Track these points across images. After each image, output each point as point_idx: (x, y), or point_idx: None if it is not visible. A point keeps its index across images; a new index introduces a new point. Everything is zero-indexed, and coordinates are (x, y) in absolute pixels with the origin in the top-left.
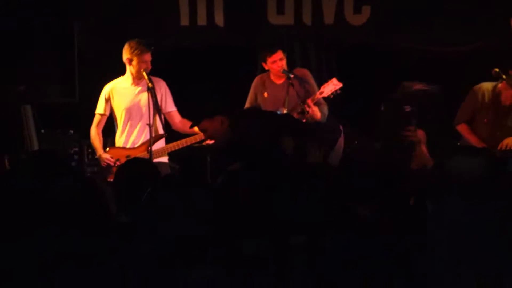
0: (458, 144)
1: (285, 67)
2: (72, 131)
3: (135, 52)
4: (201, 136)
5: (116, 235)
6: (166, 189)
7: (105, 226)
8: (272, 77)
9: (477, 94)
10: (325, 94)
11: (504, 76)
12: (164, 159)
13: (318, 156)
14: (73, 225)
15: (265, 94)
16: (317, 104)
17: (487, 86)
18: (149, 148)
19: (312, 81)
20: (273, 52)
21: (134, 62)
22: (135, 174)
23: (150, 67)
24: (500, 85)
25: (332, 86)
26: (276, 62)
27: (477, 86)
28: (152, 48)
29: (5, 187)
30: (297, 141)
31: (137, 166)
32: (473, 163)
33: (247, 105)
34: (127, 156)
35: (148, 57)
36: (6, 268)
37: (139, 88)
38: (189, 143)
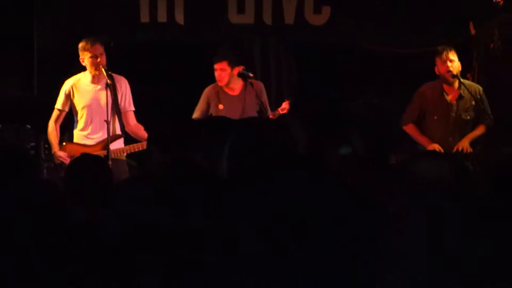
0: (419, 147)
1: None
2: (29, 126)
3: (84, 49)
4: None
5: (71, 233)
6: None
7: (60, 225)
8: (226, 88)
9: (422, 94)
10: (286, 111)
11: (462, 80)
12: (122, 156)
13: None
14: (28, 225)
15: (220, 106)
16: None
17: (429, 84)
18: (107, 146)
19: (265, 96)
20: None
21: (86, 61)
22: (85, 171)
23: (103, 61)
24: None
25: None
26: (217, 71)
27: (421, 87)
28: (112, 44)
29: None
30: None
31: (87, 163)
32: (440, 168)
33: (196, 114)
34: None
35: (97, 50)
36: None
37: (99, 86)
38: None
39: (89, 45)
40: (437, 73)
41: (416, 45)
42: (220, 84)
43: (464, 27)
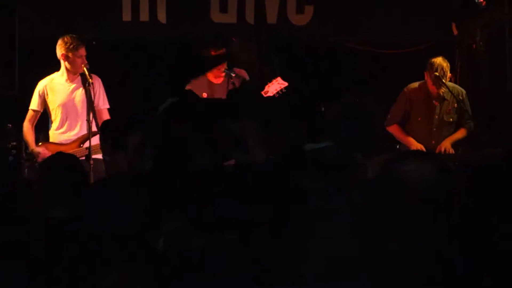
0: (398, 147)
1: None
2: (10, 125)
3: (71, 47)
4: None
5: (45, 231)
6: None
7: (35, 222)
8: (210, 77)
9: (408, 94)
10: (270, 94)
11: (444, 80)
12: (99, 155)
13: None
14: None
15: (204, 95)
16: None
17: (414, 85)
18: (85, 144)
19: None
20: (219, 47)
21: (71, 58)
22: (57, 170)
23: (86, 62)
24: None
25: (277, 85)
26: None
27: (406, 88)
28: (94, 42)
29: None
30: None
31: (59, 161)
32: (426, 168)
33: None
34: None
35: (83, 51)
36: None
37: (73, 85)
38: None
39: (76, 46)
40: (426, 79)
41: (399, 45)
42: (223, 68)
43: (446, 28)
